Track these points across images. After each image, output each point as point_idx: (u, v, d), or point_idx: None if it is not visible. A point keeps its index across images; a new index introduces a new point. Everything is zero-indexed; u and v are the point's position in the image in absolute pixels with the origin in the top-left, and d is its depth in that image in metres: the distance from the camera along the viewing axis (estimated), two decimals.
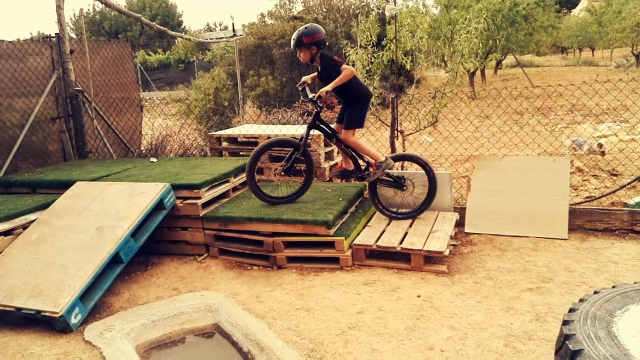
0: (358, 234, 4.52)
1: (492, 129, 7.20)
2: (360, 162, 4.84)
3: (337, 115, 5.00)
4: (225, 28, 42.97)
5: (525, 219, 4.80)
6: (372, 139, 6.35)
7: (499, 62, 24.17)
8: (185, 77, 26.17)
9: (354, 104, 4.67)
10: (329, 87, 4.44)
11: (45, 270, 3.78)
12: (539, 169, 4.91)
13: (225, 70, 14.26)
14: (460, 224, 4.95)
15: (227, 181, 5.24)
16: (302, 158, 4.79)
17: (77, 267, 3.74)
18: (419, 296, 3.70)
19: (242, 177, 5.56)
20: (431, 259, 4.22)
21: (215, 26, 46.52)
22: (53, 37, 6.45)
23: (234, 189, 5.36)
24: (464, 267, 4.18)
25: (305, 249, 4.41)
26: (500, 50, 18.11)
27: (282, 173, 4.80)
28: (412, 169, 5.37)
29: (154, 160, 6.04)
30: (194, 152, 7.65)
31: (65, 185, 4.89)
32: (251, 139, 6.31)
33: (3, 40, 5.95)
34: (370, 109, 5.87)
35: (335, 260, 4.33)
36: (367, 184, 4.97)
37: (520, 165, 5.02)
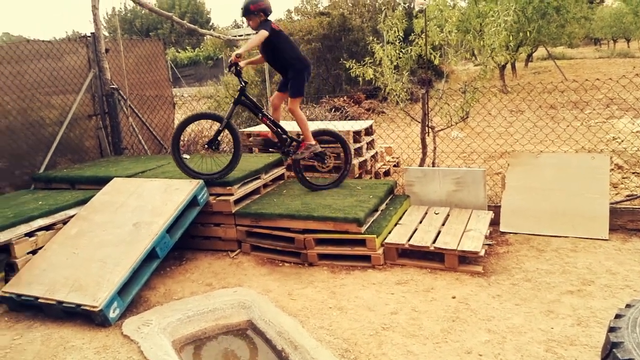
0: (389, 232, 4.50)
1: (526, 124, 7.05)
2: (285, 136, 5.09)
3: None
4: None
5: (564, 218, 4.70)
6: (402, 135, 6.31)
7: (529, 55, 23.64)
8: (214, 73, 26.38)
9: (292, 74, 4.90)
10: (240, 50, 4.62)
11: (85, 265, 3.88)
12: (577, 166, 4.79)
13: (253, 67, 14.32)
14: (495, 222, 4.87)
15: (258, 178, 5.28)
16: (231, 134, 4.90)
17: (115, 262, 3.83)
18: (454, 297, 3.66)
19: (273, 174, 5.60)
20: (466, 259, 4.17)
21: (242, 23, 46.71)
22: (89, 36, 6.59)
23: (265, 186, 5.40)
24: (500, 268, 4.11)
25: (336, 246, 4.41)
26: (531, 42, 17.71)
27: (206, 146, 4.97)
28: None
29: (187, 156, 6.11)
30: (224, 148, 7.72)
31: (103, 181, 5.00)
32: None
33: (43, 41, 6.11)
34: (400, 103, 5.84)
35: (366, 258, 4.32)
36: (293, 160, 5.23)
37: (557, 162, 4.91)
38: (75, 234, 4.27)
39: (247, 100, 4.96)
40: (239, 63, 4.69)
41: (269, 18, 4.89)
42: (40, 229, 4.33)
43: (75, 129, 6.44)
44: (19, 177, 5.73)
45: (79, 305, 3.54)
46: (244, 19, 4.93)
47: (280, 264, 4.50)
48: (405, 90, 5.84)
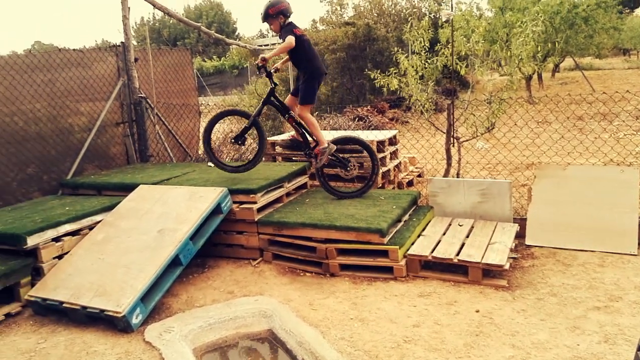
0: (412, 244, 4.45)
1: (554, 136, 6.93)
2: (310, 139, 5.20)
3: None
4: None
5: (591, 233, 4.58)
6: (427, 145, 6.26)
7: (556, 66, 23.28)
8: (239, 82, 26.69)
9: (305, 78, 5.03)
10: (267, 55, 4.82)
11: (110, 270, 3.93)
12: (605, 179, 4.68)
13: (278, 75, 14.44)
14: (520, 235, 4.78)
15: (282, 186, 5.29)
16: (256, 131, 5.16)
17: (139, 268, 3.87)
18: (477, 311, 3.59)
19: (296, 182, 5.61)
20: (490, 272, 4.10)
21: (267, 32, 47.21)
22: (119, 45, 6.73)
23: (288, 194, 5.41)
24: (525, 282, 4.03)
25: (358, 257, 4.38)
26: (559, 53, 17.46)
27: (232, 141, 5.25)
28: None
29: (211, 164, 6.17)
30: (248, 157, 7.78)
31: (129, 188, 5.09)
32: None
33: (74, 50, 6.26)
34: (424, 113, 5.81)
35: (388, 269, 4.28)
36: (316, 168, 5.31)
37: (585, 175, 4.81)
38: (101, 239, 4.34)
39: (276, 101, 5.12)
40: (267, 66, 4.84)
41: (290, 19, 5.01)
42: (67, 234, 4.41)
43: (103, 136, 6.57)
44: (47, 182, 5.86)
45: (102, 311, 3.59)
46: (268, 25, 5.08)
47: (302, 274, 4.49)
48: (430, 100, 5.80)
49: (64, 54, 6.13)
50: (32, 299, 3.92)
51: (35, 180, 5.76)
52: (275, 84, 5.09)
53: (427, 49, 5.88)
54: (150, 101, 6.92)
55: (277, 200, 5.21)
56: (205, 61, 31.57)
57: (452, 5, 6.23)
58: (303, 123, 5.13)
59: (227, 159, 7.86)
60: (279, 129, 12.25)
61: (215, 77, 30.72)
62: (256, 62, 4.88)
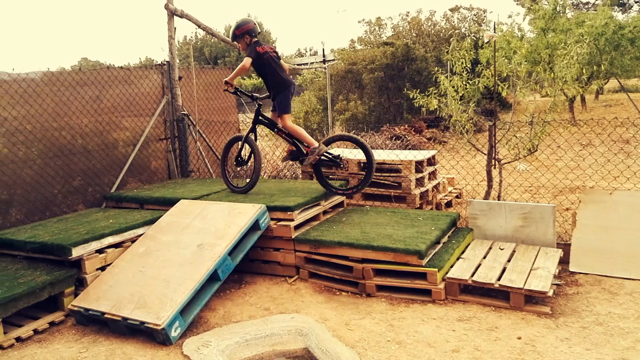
0: (451, 266, 4.37)
1: (599, 160, 6.73)
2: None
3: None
4: (315, 53, 44.11)
5: (639, 260, 4.40)
6: (466, 166, 6.18)
7: (600, 87, 22.69)
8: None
9: (275, 92, 5.35)
10: (227, 78, 5.31)
11: (150, 283, 4.00)
12: None
13: (315, 94, 14.58)
14: (564, 261, 4.64)
15: (318, 204, 5.30)
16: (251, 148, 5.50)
17: (179, 282, 3.93)
18: (519, 338, 3.48)
19: (333, 201, 5.61)
20: (532, 298, 3.98)
21: (306, 51, 47.86)
22: (164, 64, 6.95)
23: (324, 212, 5.42)
24: (569, 310, 3.89)
25: (396, 278, 4.33)
26: (604, 75, 17.04)
27: (235, 163, 5.65)
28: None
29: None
30: (285, 174, 7.84)
31: (170, 203, 5.20)
32: None
33: (121, 68, 6.50)
34: (465, 134, 5.74)
35: (426, 292, 4.21)
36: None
37: (632, 200, 4.64)
38: (143, 252, 4.43)
39: (263, 118, 5.52)
40: (232, 85, 5.32)
41: (256, 39, 5.35)
42: (110, 246, 4.53)
43: (146, 151, 6.76)
44: (91, 195, 6.05)
45: (142, 323, 3.65)
46: (237, 43, 5.47)
47: (338, 293, 4.47)
48: (470, 121, 5.74)
49: (111, 71, 6.37)
50: (75, 308, 4.02)
51: (81, 193, 5.95)
52: (260, 104, 5.48)
53: (469, 70, 5.84)
54: (192, 118, 7.10)
55: (314, 218, 5.22)
56: (244, 79, 32.16)
57: (494, 26, 6.17)
58: (291, 132, 5.37)
59: (264, 175, 7.95)
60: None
61: None
62: (224, 89, 5.37)
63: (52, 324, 4.07)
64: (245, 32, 5.30)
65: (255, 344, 3.67)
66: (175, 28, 6.94)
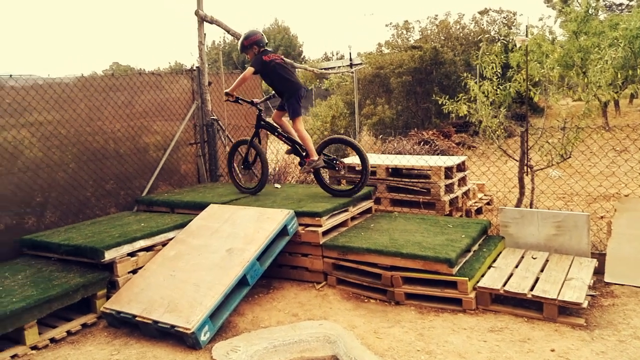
0: (482, 275, 4.30)
1: (636, 167, 6.53)
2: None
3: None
4: (342, 57, 44.08)
5: None
6: (496, 171, 6.08)
7: (635, 91, 22.07)
8: (303, 104, 27.18)
9: (286, 97, 5.50)
10: (228, 90, 5.52)
11: (180, 287, 4.05)
12: None
13: (342, 98, 14.57)
14: (598, 271, 4.51)
15: (347, 210, 5.29)
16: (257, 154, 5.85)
17: (209, 286, 3.96)
18: (553, 350, 3.40)
19: (361, 207, 5.59)
20: (566, 309, 3.88)
21: (332, 55, 47.89)
22: (194, 70, 7.04)
23: (352, 218, 5.40)
24: (604, 322, 3.78)
25: (425, 286, 4.27)
26: (639, 79, 16.58)
27: (242, 167, 5.95)
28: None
29: (278, 186, 6.28)
30: (313, 179, 7.84)
31: (199, 207, 5.26)
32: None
33: (152, 73, 6.61)
34: (495, 140, 5.65)
35: (457, 301, 4.14)
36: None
37: None
38: (173, 256, 4.49)
39: (265, 123, 5.76)
40: (233, 96, 5.53)
41: (263, 49, 5.51)
42: (141, 249, 4.60)
43: (176, 155, 6.85)
44: (123, 198, 6.16)
45: (173, 326, 3.69)
46: (245, 54, 5.64)
47: (366, 300, 4.44)
48: (501, 127, 5.65)
49: (143, 77, 6.48)
50: (107, 311, 4.09)
51: (113, 196, 6.06)
52: (260, 110, 5.77)
53: (499, 75, 5.74)
54: (222, 123, 7.17)
55: (342, 224, 5.21)
56: None
57: (526, 30, 6.05)
58: (296, 136, 5.57)
59: (292, 181, 7.98)
60: (341, 151, 12.31)
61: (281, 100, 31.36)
62: (225, 99, 5.66)
63: (84, 325, 4.15)
64: (253, 43, 5.47)
65: (283, 350, 3.67)
66: (205, 34, 7.03)
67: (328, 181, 6.46)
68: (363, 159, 5.35)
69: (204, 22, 7.00)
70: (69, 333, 4.02)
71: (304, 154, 5.58)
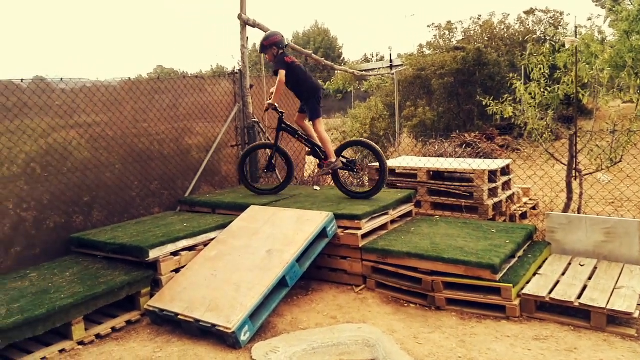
0: (527, 282, 4.18)
1: None
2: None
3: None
4: (382, 59, 43.85)
5: None
6: (541, 175, 5.90)
7: None
8: (342, 106, 27.18)
9: (306, 99, 5.61)
10: (271, 101, 5.54)
11: (221, 287, 4.10)
12: None
13: (382, 100, 14.47)
14: None
15: (386, 213, 5.24)
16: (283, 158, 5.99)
17: (249, 287, 4.00)
18: None
19: (401, 210, 5.53)
20: (615, 319, 3.71)
21: (372, 57, 47.70)
22: (236, 73, 7.14)
23: (392, 222, 5.34)
24: None
25: (467, 292, 4.18)
26: None
27: (265, 171, 6.00)
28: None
29: (317, 188, 6.29)
30: (352, 181, 7.81)
31: (240, 208, 5.32)
32: (410, 171, 6.26)
33: (196, 77, 6.74)
34: (542, 143, 5.48)
35: (500, 308, 4.03)
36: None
37: None
38: (214, 256, 4.56)
39: (286, 126, 5.81)
40: (274, 106, 5.55)
41: (282, 50, 5.56)
42: (184, 249, 4.69)
43: (218, 157, 6.97)
44: (167, 198, 6.31)
45: (214, 325, 3.74)
46: (263, 54, 5.74)
47: (406, 304, 4.38)
48: (548, 129, 5.47)
49: (187, 80, 6.62)
50: (151, 308, 4.19)
51: (157, 196, 6.21)
52: (282, 113, 5.74)
53: (547, 76, 5.57)
54: (262, 125, 7.24)
55: (382, 227, 5.17)
56: None
57: (575, 30, 5.85)
58: (316, 137, 5.64)
59: (331, 182, 7.96)
60: (389, 154, 12.22)
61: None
62: (266, 110, 5.74)
63: (128, 322, 4.26)
64: (273, 44, 5.53)
65: (322, 352, 3.66)
66: (247, 37, 7.12)
67: (353, 183, 6.49)
68: (381, 162, 5.42)
69: (247, 26, 7.08)
70: (113, 329, 4.13)
71: (322, 156, 5.65)
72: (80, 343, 3.90)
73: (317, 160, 5.91)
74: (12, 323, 3.49)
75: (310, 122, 5.67)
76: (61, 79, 5.27)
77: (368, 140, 5.72)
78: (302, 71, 5.60)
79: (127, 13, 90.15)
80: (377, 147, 5.55)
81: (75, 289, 4.01)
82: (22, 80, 5.00)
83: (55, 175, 5.20)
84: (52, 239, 5.13)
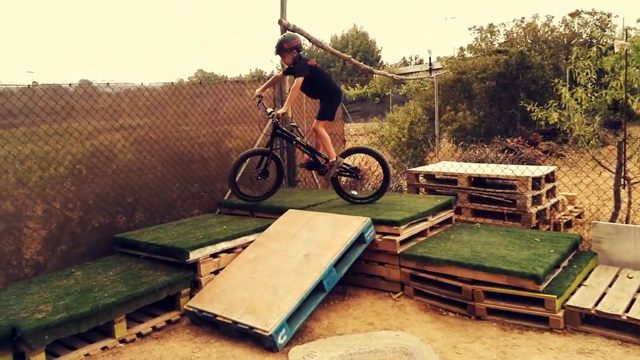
0: (572, 294, 4.03)
1: None
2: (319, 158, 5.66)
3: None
4: (420, 62, 43.45)
5: None
6: (587, 182, 5.70)
7: None
8: (379, 110, 27.02)
9: (325, 100, 5.52)
10: (283, 110, 5.39)
11: (259, 289, 4.13)
12: None
13: (421, 104, 14.31)
14: None
15: (425, 219, 5.17)
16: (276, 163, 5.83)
17: (286, 290, 4.01)
18: None
19: (441, 217, 5.45)
20: None
21: (411, 60, 47.31)
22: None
23: (431, 228, 5.27)
24: None
25: (509, 302, 4.07)
26: None
27: (258, 177, 5.68)
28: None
29: (355, 193, 6.24)
30: (390, 186, 7.75)
31: (278, 211, 5.35)
32: (450, 177, 6.16)
33: (237, 81, 6.83)
34: (589, 150, 5.30)
35: (542, 319, 3.91)
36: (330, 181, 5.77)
37: None
38: (252, 259, 4.59)
39: (282, 132, 5.67)
40: (279, 117, 5.43)
41: (301, 53, 5.45)
42: (223, 251, 4.75)
43: (256, 161, 7.01)
44: (207, 201, 6.41)
45: (251, 328, 3.77)
46: (281, 58, 5.62)
47: (445, 313, 4.30)
48: (595, 136, 5.28)
49: (227, 85, 6.72)
50: (190, 309, 4.25)
51: (197, 198, 6.32)
52: (278, 119, 5.52)
53: (594, 81, 5.38)
54: (301, 129, 7.26)
55: (421, 233, 5.10)
56: (348, 89, 32.53)
57: (625, 33, 5.62)
58: (318, 138, 5.56)
59: (369, 188, 7.92)
60: (419, 157, 12.07)
61: (357, 105, 31.43)
62: (274, 120, 5.46)
63: (168, 322, 4.34)
64: (293, 47, 5.42)
65: (359, 358, 3.63)
66: None
67: (407, 188, 6.40)
68: (385, 169, 5.58)
69: (287, 31, 7.12)
70: (154, 328, 4.22)
71: (322, 161, 5.59)
72: (122, 341, 4.00)
73: (370, 165, 5.88)
74: (58, 320, 3.61)
75: (316, 120, 5.57)
76: (107, 84, 5.44)
77: (370, 147, 5.80)
78: (325, 73, 5.65)
79: (170, 18, 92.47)
80: (381, 154, 5.62)
81: (118, 288, 4.12)
82: (70, 84, 5.18)
83: (101, 176, 5.36)
84: (97, 239, 5.29)
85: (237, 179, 5.73)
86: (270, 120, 5.60)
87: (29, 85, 4.94)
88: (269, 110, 5.53)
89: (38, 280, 4.51)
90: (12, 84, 4.77)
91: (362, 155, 6.31)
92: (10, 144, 4.75)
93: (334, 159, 5.52)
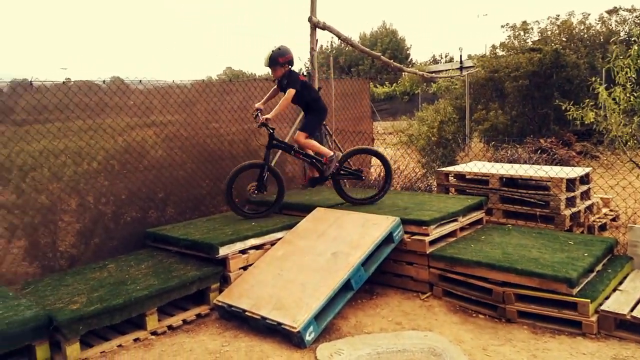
0: (606, 298, 3.93)
1: None
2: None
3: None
4: (451, 60, 42.93)
5: None
6: (624, 184, 5.54)
7: None
8: (408, 108, 26.82)
9: (311, 114, 5.55)
10: (269, 115, 5.20)
11: (287, 286, 4.16)
12: None
13: (452, 103, 14.12)
14: None
15: (455, 220, 5.11)
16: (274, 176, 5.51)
17: (314, 288, 4.02)
18: None
19: (471, 217, 5.38)
20: None
21: (441, 58, 46.78)
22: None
23: (461, 229, 5.20)
24: None
25: (540, 305, 3.99)
26: None
27: (256, 192, 5.39)
28: None
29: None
30: (419, 186, 7.70)
31: (306, 209, 5.37)
32: (481, 177, 6.08)
33: (266, 79, 6.87)
34: (627, 152, 5.15)
35: (575, 324, 3.82)
36: (330, 181, 5.77)
37: None
38: (281, 255, 4.62)
39: (278, 143, 5.53)
40: (267, 124, 5.26)
41: (292, 68, 5.40)
42: (252, 247, 4.80)
43: (284, 158, 7.06)
44: (235, 197, 6.45)
45: (280, 324, 3.79)
46: (271, 71, 5.45)
47: (474, 315, 4.25)
48: (634, 137, 5.13)
49: (257, 82, 6.77)
50: (219, 303, 4.31)
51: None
52: (272, 129, 5.37)
53: (634, 80, 5.22)
54: (329, 127, 7.27)
55: (450, 234, 5.04)
56: (377, 87, 32.39)
57: None
58: (305, 148, 5.51)
59: (397, 187, 7.87)
60: (449, 157, 11.93)
61: (386, 103, 31.29)
62: (258, 123, 5.28)
63: (198, 315, 4.40)
64: (287, 62, 5.34)
65: (386, 357, 3.62)
66: (317, 40, 7.17)
67: (436, 188, 6.33)
68: (387, 168, 5.62)
69: (317, 28, 7.14)
70: (184, 322, 4.29)
71: (322, 166, 5.50)
72: (153, 333, 4.08)
73: (399, 163, 5.82)
74: (92, 311, 3.70)
75: (298, 131, 5.52)
76: (140, 81, 5.54)
77: (373, 147, 5.81)
78: (314, 90, 5.75)
79: (198, 17, 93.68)
80: (383, 154, 5.61)
81: (150, 282, 4.20)
82: (104, 81, 5.29)
83: (133, 172, 5.47)
84: (129, 233, 5.40)
85: (233, 194, 5.42)
86: (264, 128, 5.38)
87: (63, 82, 5.07)
88: (256, 106, 5.47)
89: (72, 272, 4.63)
90: (47, 80, 4.91)
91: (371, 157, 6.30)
92: (46, 139, 4.88)
93: (331, 153, 5.48)
